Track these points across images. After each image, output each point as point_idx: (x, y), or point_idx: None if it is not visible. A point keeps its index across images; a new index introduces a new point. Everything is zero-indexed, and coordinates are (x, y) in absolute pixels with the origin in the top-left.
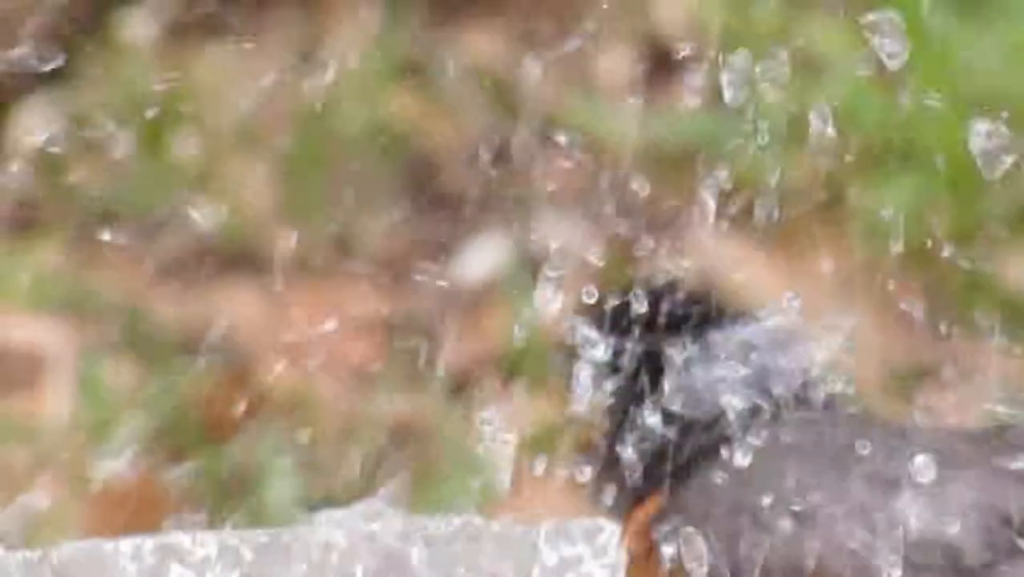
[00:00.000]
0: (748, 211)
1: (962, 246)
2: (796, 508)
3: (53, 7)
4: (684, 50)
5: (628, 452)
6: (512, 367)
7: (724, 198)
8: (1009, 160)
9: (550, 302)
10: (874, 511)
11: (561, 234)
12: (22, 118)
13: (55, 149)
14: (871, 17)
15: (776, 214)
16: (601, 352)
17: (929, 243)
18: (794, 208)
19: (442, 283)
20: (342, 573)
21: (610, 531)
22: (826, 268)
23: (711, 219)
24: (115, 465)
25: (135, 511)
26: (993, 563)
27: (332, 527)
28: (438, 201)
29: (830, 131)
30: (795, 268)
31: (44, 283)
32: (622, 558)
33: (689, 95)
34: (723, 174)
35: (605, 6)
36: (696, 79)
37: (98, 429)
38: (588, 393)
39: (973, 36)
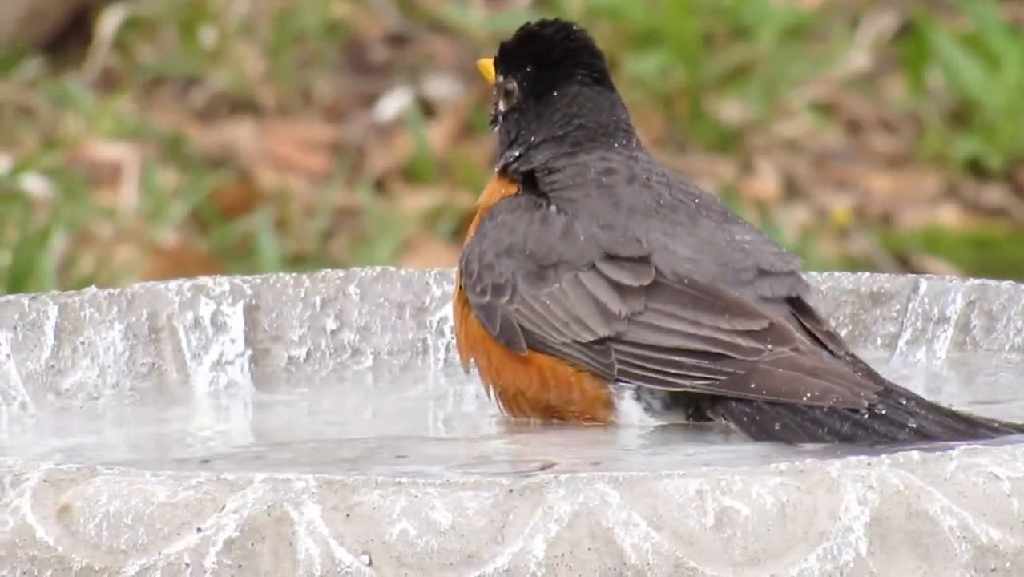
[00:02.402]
0: None
1: (690, 94)
2: None
3: None
4: None
5: None
6: (411, 172)
7: None
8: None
9: (437, 132)
10: None
11: (443, 87)
12: (107, 19)
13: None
14: None
15: None
16: None
17: (671, 92)
18: None
19: (368, 119)
20: (307, 301)
21: None
22: None
23: None
24: (165, 236)
25: (177, 264)
26: None
27: (298, 272)
28: (365, 68)
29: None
30: None
31: (121, 121)
32: None
33: (520, 2)
34: None
35: None
36: None
37: (154, 213)
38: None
39: None
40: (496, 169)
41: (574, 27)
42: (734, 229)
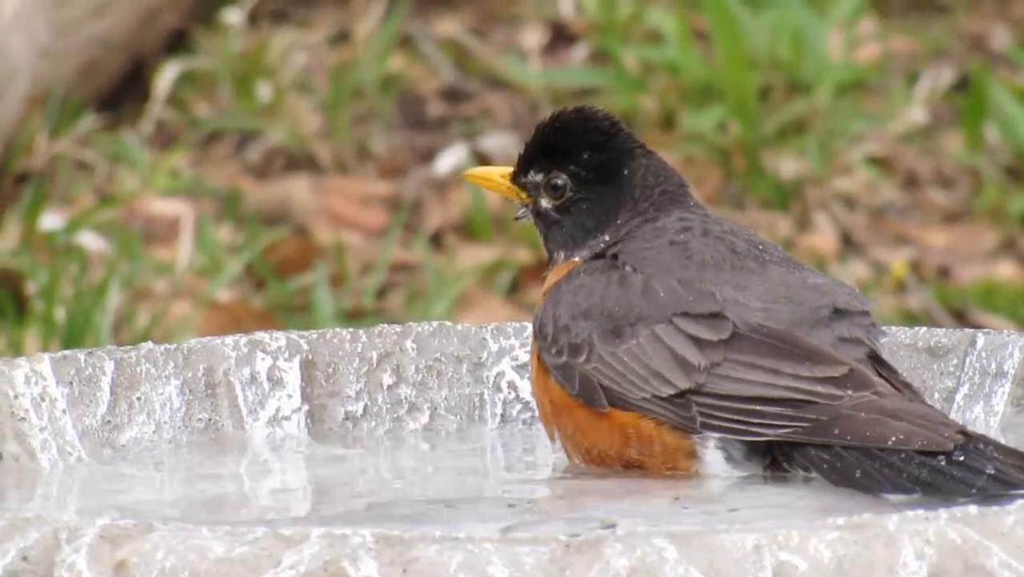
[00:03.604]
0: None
1: (747, 149)
2: None
3: (178, 8)
4: (574, 29)
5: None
6: (468, 227)
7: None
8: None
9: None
10: None
11: (498, 142)
12: (163, 74)
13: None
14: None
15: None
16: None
17: (728, 147)
18: (643, 128)
19: (424, 175)
20: (360, 356)
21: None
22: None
23: None
24: (220, 292)
25: (233, 320)
26: None
27: (354, 327)
28: (421, 123)
29: (666, 78)
30: None
31: (176, 177)
32: None
33: (577, 57)
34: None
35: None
36: (581, 48)
37: (209, 269)
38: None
39: (753, 18)
40: (570, 258)
41: (599, 109)
42: (805, 273)
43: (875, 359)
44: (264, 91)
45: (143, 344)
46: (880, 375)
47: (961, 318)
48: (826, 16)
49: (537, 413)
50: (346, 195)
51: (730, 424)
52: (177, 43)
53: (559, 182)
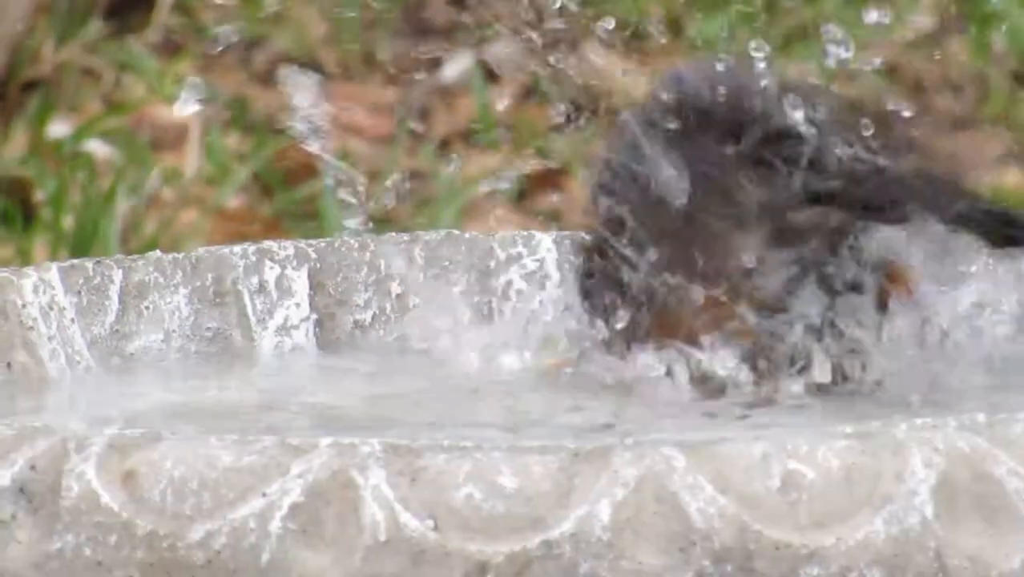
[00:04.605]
0: (631, 36)
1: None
2: None
3: None
4: None
5: None
6: (474, 135)
7: (609, 29)
8: None
9: (499, 94)
10: None
11: (504, 50)
12: None
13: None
14: None
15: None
16: None
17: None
18: (652, 34)
19: (431, 82)
20: (372, 265)
21: (539, 238)
22: None
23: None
24: (228, 199)
25: (241, 228)
26: None
27: (364, 236)
28: (427, 29)
29: None
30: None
31: (183, 84)
32: (551, 256)
33: None
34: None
35: None
36: None
37: (217, 177)
38: None
39: None
40: None
41: None
42: None
43: None
44: None
45: (151, 253)
46: None
47: None
48: None
49: None
50: (353, 102)
51: None
52: None
53: None
